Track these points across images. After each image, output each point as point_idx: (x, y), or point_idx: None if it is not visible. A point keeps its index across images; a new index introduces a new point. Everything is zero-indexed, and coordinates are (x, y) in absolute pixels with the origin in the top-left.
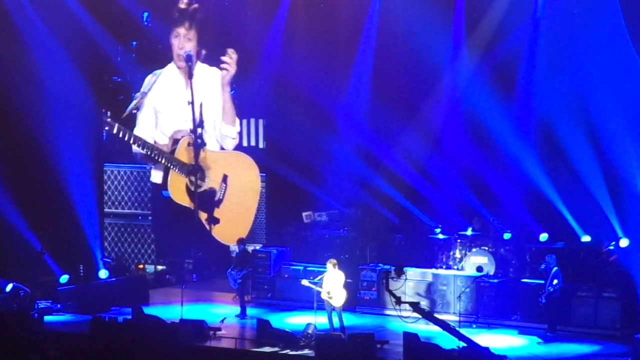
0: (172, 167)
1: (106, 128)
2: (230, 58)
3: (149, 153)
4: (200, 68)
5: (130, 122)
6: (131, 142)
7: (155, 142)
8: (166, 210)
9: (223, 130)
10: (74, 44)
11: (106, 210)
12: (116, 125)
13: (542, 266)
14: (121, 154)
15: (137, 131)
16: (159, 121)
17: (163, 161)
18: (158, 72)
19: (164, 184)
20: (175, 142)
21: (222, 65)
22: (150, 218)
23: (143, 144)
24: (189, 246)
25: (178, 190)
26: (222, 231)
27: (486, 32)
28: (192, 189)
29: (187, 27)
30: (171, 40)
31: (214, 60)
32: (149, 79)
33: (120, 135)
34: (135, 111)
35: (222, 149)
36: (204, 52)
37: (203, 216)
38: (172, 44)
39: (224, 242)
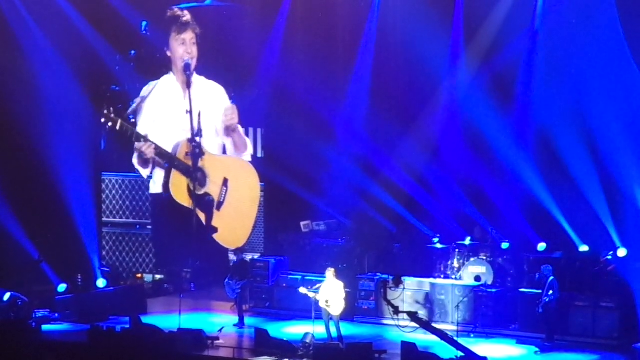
0: (174, 167)
1: (110, 124)
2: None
3: (152, 149)
4: (197, 79)
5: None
6: (133, 139)
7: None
8: (165, 221)
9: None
10: (72, 53)
11: (104, 219)
12: (119, 121)
13: (537, 276)
14: (119, 163)
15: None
16: (154, 134)
17: (165, 160)
18: (154, 84)
19: (165, 185)
20: (175, 148)
21: (225, 122)
22: (149, 227)
23: (145, 140)
24: (187, 255)
25: (179, 190)
26: (223, 234)
27: (485, 42)
28: (193, 189)
29: (192, 30)
30: (174, 48)
31: (211, 71)
32: (144, 90)
33: (123, 130)
34: (132, 116)
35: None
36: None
37: (203, 218)
38: (176, 51)
39: (225, 246)
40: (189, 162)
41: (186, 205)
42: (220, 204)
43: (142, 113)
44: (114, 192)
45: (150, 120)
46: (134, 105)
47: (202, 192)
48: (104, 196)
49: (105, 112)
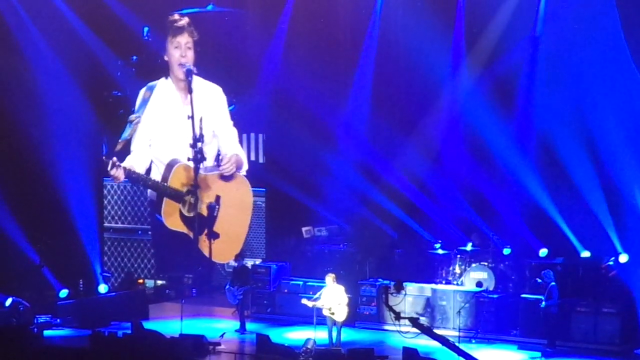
0: (165, 195)
1: (114, 172)
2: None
3: (142, 183)
4: (196, 81)
5: (127, 148)
6: (124, 177)
7: (151, 162)
8: (165, 227)
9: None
10: (74, 58)
11: (106, 224)
12: (111, 162)
13: (539, 280)
14: None
15: (132, 155)
16: (154, 141)
17: (156, 191)
18: (152, 85)
19: (158, 209)
20: (169, 168)
21: (224, 172)
22: (149, 233)
23: (137, 177)
24: (188, 261)
25: (171, 217)
26: (217, 252)
27: (486, 48)
28: (186, 213)
29: (187, 34)
30: (170, 51)
31: (213, 76)
32: (143, 94)
33: (114, 174)
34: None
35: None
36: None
37: (200, 243)
38: (172, 54)
39: (220, 262)
40: (185, 177)
41: (180, 230)
42: (213, 223)
43: (140, 126)
44: (115, 197)
45: (151, 128)
46: (130, 129)
47: (194, 214)
48: (105, 202)
49: (111, 166)
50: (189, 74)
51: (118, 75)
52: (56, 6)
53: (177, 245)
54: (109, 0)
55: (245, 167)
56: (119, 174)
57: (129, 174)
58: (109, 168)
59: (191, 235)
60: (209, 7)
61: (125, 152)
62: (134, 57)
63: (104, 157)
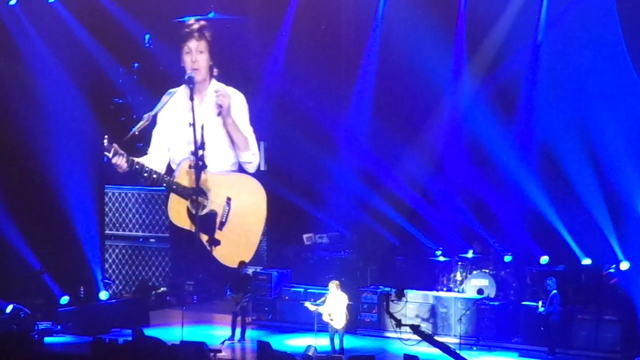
0: (172, 190)
1: (105, 153)
2: (222, 92)
3: (146, 176)
4: (213, 88)
5: (131, 144)
6: (127, 165)
7: (169, 165)
8: (183, 233)
9: (240, 158)
10: (75, 65)
11: (107, 232)
12: (112, 149)
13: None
14: (123, 176)
15: (148, 155)
16: (171, 144)
17: (163, 185)
18: (173, 91)
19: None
20: (178, 166)
21: (216, 100)
22: (152, 240)
23: (141, 168)
24: (195, 268)
25: (178, 214)
26: (224, 253)
27: (487, 55)
28: (193, 211)
29: (197, 38)
30: (182, 57)
31: (221, 78)
32: (163, 99)
33: (117, 161)
34: (137, 133)
35: (242, 171)
36: (215, 70)
37: (204, 238)
38: (184, 61)
39: (225, 264)
40: (191, 176)
41: (187, 228)
42: (222, 224)
43: (157, 125)
44: (117, 205)
45: (162, 132)
46: (142, 122)
47: (203, 212)
48: (107, 209)
49: (104, 142)
50: (190, 81)
51: (119, 82)
52: (58, 13)
53: (194, 254)
54: (111, 8)
55: (253, 150)
56: (121, 161)
57: (132, 164)
58: (110, 155)
59: (197, 233)
60: (211, 15)
61: (131, 145)
62: (136, 65)
63: (104, 142)
